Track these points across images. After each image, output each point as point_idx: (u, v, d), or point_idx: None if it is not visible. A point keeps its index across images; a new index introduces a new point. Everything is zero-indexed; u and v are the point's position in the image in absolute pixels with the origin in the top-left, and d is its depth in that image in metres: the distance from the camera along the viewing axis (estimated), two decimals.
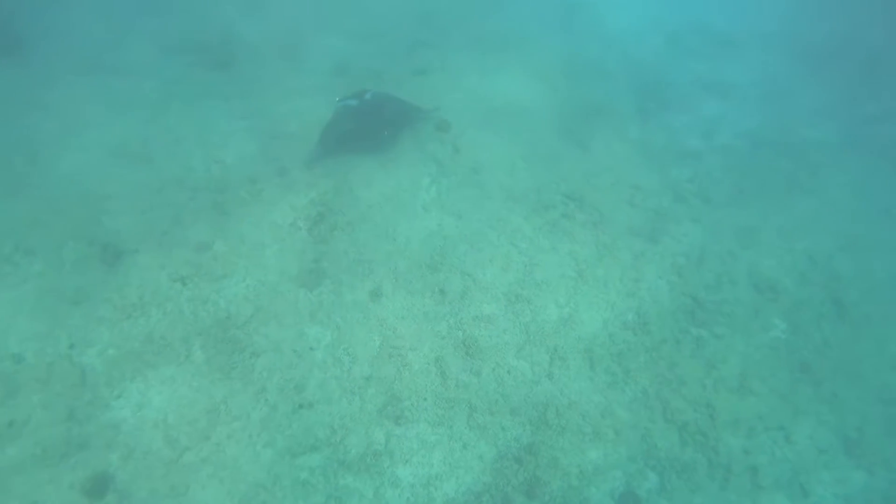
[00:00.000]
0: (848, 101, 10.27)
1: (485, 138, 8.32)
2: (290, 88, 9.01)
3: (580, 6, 12.43)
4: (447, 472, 5.07)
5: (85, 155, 7.19)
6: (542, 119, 8.92)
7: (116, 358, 5.28)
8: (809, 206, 7.98)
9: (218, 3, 10.99)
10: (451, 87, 9.33)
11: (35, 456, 4.66)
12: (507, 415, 5.47)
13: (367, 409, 5.35)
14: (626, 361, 5.94)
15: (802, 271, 7.01)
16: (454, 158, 7.89)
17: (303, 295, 6.11)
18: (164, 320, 5.63)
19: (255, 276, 6.19)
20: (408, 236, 6.79)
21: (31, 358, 5.22)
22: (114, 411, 4.97)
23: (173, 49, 9.59)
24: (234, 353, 5.53)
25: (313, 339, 5.78)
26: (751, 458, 5.41)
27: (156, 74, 8.96)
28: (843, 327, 6.50)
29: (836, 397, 5.90)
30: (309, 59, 9.84)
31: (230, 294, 5.99)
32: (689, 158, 8.49)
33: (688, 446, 5.43)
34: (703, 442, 5.46)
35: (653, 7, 12.67)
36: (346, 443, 5.13)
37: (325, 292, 6.17)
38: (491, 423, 5.40)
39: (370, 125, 7.76)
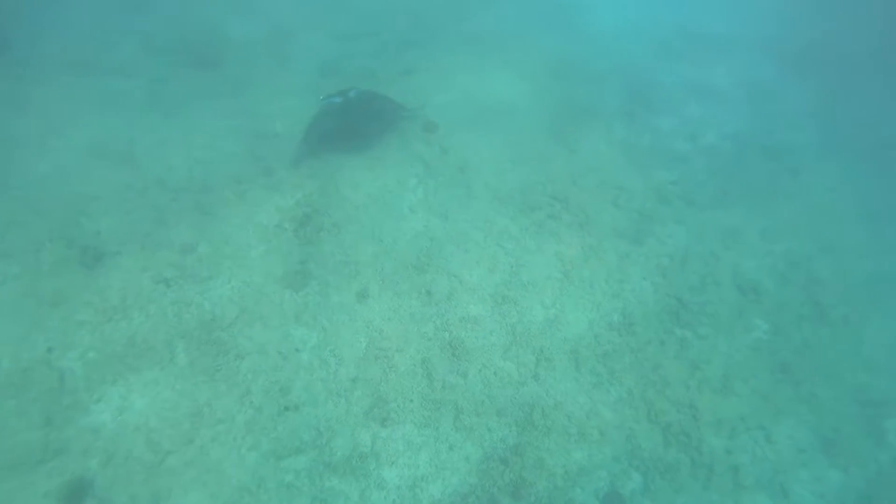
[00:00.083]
0: (830, 104, 10.41)
1: (472, 139, 8.32)
2: (277, 88, 8.94)
3: (568, 7, 12.46)
4: (433, 474, 5.08)
5: (66, 155, 7.08)
6: (529, 119, 8.94)
7: (97, 361, 5.21)
8: (791, 208, 8.08)
9: (205, 1, 10.87)
10: (439, 86, 9.31)
11: (8, 463, 4.58)
12: (494, 416, 5.48)
13: (353, 411, 5.34)
14: (612, 362, 5.98)
15: (783, 273, 7.10)
16: (441, 159, 7.88)
17: (288, 296, 6.08)
18: (146, 323, 5.57)
19: (240, 278, 6.14)
20: (394, 237, 6.78)
21: (7, 362, 5.14)
22: (93, 416, 4.91)
23: (159, 48, 9.47)
24: (219, 356, 5.49)
25: (299, 340, 5.75)
26: (733, 457, 5.47)
27: (140, 73, 8.85)
28: (822, 328, 6.60)
29: (815, 397, 5.99)
30: (296, 58, 9.77)
31: (215, 296, 5.94)
32: (674, 160, 8.55)
33: (671, 447, 5.48)
34: (687, 442, 5.51)
35: (640, 10, 12.73)
36: (332, 445, 5.11)
37: (311, 294, 6.14)
38: (477, 425, 5.41)
39: (355, 123, 7.74)
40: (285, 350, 5.65)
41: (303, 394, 5.38)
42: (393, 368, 5.68)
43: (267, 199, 6.95)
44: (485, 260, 6.69)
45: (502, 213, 7.25)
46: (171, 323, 5.63)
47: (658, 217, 7.55)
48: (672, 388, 5.86)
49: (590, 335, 6.17)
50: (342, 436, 5.17)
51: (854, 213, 8.17)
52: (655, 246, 7.17)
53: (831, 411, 5.92)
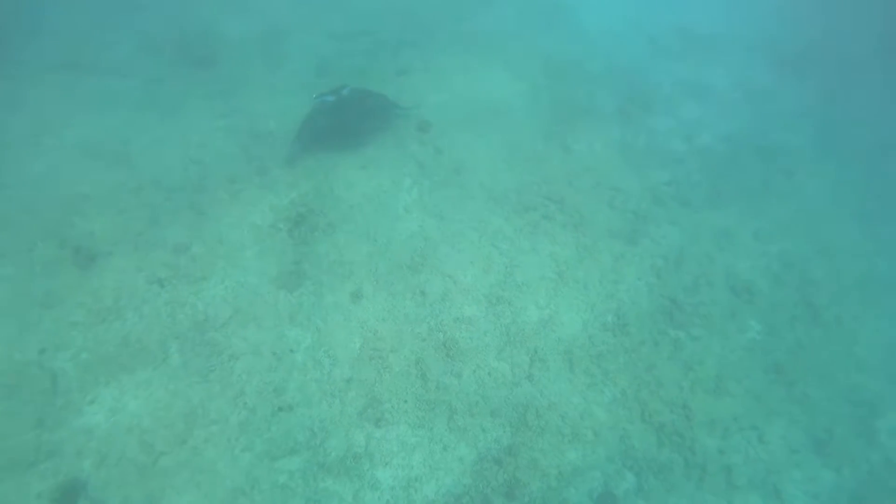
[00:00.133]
0: (827, 105, 10.42)
1: (467, 139, 8.31)
2: (272, 87, 8.91)
3: (564, 7, 12.43)
4: (427, 474, 5.08)
5: (59, 155, 7.05)
6: (524, 120, 8.93)
7: (90, 362, 5.20)
8: (785, 209, 8.09)
9: (200, 0, 10.82)
10: (434, 86, 9.30)
11: (0, 465, 4.57)
12: (488, 416, 5.48)
13: (347, 412, 5.34)
14: (606, 363, 5.98)
15: (777, 274, 7.11)
16: (436, 159, 7.88)
17: (283, 297, 6.07)
18: (140, 323, 5.56)
19: (234, 278, 6.13)
20: (389, 237, 6.77)
21: None
22: (86, 417, 4.89)
23: (153, 47, 9.42)
24: (213, 356, 5.48)
25: (293, 341, 5.75)
26: (725, 457, 5.49)
27: (135, 73, 8.80)
28: (815, 329, 6.62)
29: (808, 398, 6.00)
30: (291, 57, 9.74)
31: (208, 296, 5.93)
32: (669, 161, 8.55)
33: (665, 447, 5.49)
34: (680, 442, 5.52)
35: (635, 10, 12.71)
36: (326, 446, 5.11)
37: (306, 294, 6.13)
38: (471, 425, 5.41)
39: (348, 121, 7.73)
40: (279, 350, 5.64)
41: (297, 394, 5.37)
42: (387, 369, 5.67)
43: (261, 199, 6.93)
44: (479, 260, 6.69)
45: (497, 214, 7.25)
46: (165, 323, 5.62)
47: (653, 218, 7.55)
48: (666, 388, 5.87)
49: (584, 336, 6.18)
50: (336, 436, 5.17)
51: (848, 214, 8.18)
52: (650, 246, 7.17)
53: (824, 412, 5.94)
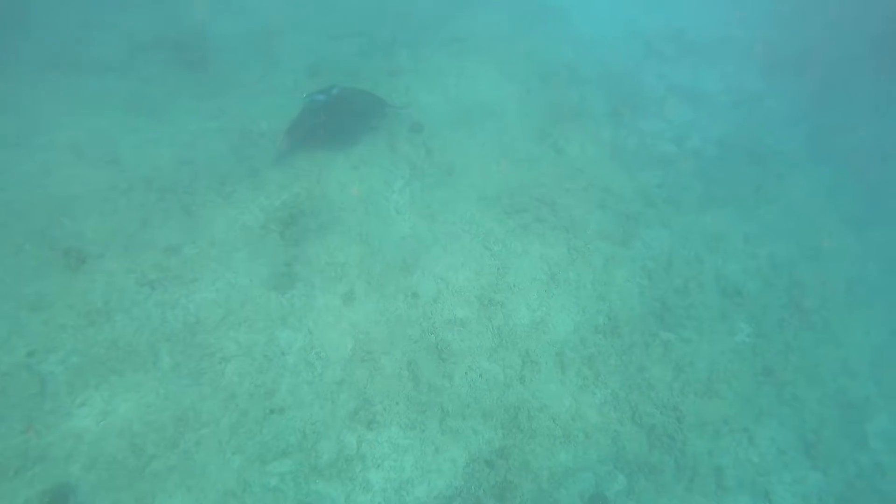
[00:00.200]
0: (817, 110, 10.52)
1: (459, 140, 8.33)
2: (264, 88, 8.87)
3: (556, 10, 12.47)
4: (419, 477, 5.09)
5: (48, 155, 6.96)
6: (516, 121, 8.96)
7: (79, 365, 5.14)
8: (775, 212, 8.17)
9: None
10: (426, 87, 9.30)
11: None
12: (479, 418, 5.50)
13: (338, 414, 5.33)
14: (597, 365, 6.02)
15: (767, 277, 7.18)
16: (428, 160, 7.88)
17: (274, 298, 6.05)
18: (130, 326, 5.51)
19: (225, 280, 6.09)
20: (380, 239, 6.77)
21: None
22: (76, 420, 4.84)
23: (144, 46, 9.33)
24: (204, 359, 5.45)
25: (285, 343, 5.73)
26: (715, 459, 5.55)
27: (125, 72, 8.72)
28: (804, 332, 6.69)
29: (797, 400, 6.08)
30: (283, 58, 9.69)
31: (199, 298, 5.89)
32: (660, 163, 8.61)
33: (655, 448, 5.54)
34: (670, 444, 5.58)
35: (628, 13, 12.79)
36: (318, 448, 5.11)
37: (297, 296, 6.12)
38: (463, 427, 5.43)
39: (339, 120, 7.72)
40: (271, 353, 5.62)
41: (288, 396, 5.36)
42: (379, 371, 5.68)
43: (253, 200, 6.90)
44: (471, 262, 6.71)
45: (489, 216, 7.27)
46: (156, 326, 5.58)
47: (644, 220, 7.60)
48: (656, 390, 5.91)
49: (575, 338, 6.21)
50: (328, 438, 5.17)
51: (838, 218, 8.29)
52: (641, 249, 7.22)
53: (813, 414, 6.01)
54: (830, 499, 5.48)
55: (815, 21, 13.27)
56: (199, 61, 9.21)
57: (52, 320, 5.39)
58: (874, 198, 8.75)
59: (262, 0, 11.08)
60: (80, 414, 4.88)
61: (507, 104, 9.30)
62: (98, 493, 4.53)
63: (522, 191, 7.67)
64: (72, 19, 9.60)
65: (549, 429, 5.52)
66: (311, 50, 9.95)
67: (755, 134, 9.65)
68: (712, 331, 6.51)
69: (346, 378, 5.57)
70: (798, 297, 7.01)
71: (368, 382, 5.58)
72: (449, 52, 10.34)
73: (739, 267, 7.23)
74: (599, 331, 6.30)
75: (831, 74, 11.56)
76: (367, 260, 6.53)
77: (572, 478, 5.26)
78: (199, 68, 9.11)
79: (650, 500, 5.24)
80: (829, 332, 6.76)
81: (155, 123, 7.78)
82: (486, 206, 7.39)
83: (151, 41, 9.44)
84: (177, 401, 5.14)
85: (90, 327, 5.42)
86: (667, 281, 6.90)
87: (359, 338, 5.88)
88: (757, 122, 9.99)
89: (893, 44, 11.69)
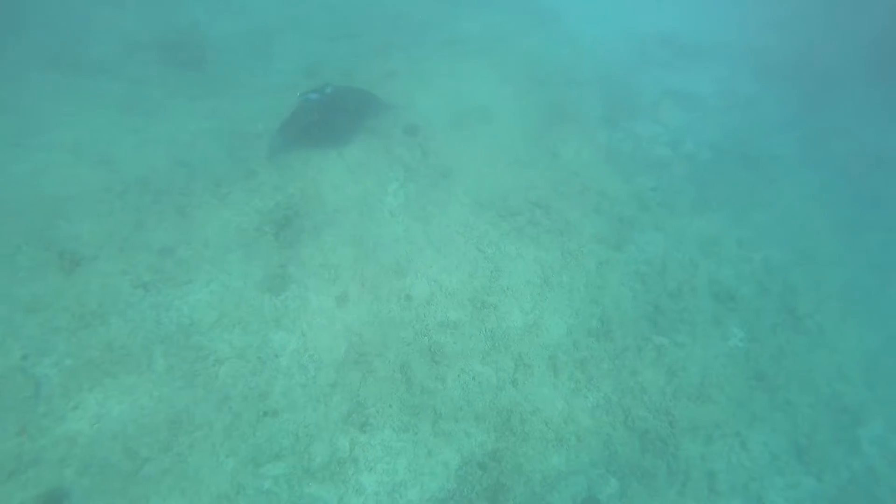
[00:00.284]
0: (811, 115, 10.52)
1: (454, 142, 8.33)
2: (260, 89, 8.87)
3: (553, 13, 12.47)
4: (412, 479, 5.11)
5: (44, 156, 6.97)
6: (511, 124, 8.96)
7: (73, 368, 5.16)
8: (769, 217, 8.18)
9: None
10: (421, 89, 9.29)
11: None
12: (472, 421, 5.52)
13: (331, 417, 5.35)
14: (590, 368, 6.03)
15: (760, 281, 7.19)
16: (422, 162, 7.89)
17: (268, 300, 6.06)
18: (124, 328, 5.53)
19: (219, 282, 6.11)
20: (375, 241, 6.77)
21: None
22: (70, 423, 4.86)
23: (141, 46, 9.33)
24: (197, 361, 5.47)
25: (278, 345, 5.74)
26: (708, 464, 5.56)
27: (121, 73, 8.72)
28: (797, 337, 6.70)
29: (790, 405, 6.09)
30: (279, 59, 9.69)
31: (194, 300, 5.90)
32: (655, 167, 8.62)
33: (648, 452, 5.55)
34: (663, 448, 5.59)
35: (623, 16, 12.77)
36: (311, 451, 5.13)
37: (291, 298, 6.13)
38: (456, 430, 5.44)
39: (332, 119, 7.75)
40: (265, 355, 5.64)
41: (282, 399, 5.38)
42: (372, 373, 5.69)
43: (247, 202, 6.91)
44: (465, 265, 6.72)
45: (483, 218, 7.28)
46: (150, 328, 5.60)
47: (638, 223, 7.61)
48: (649, 394, 5.93)
49: (568, 341, 6.22)
50: (321, 441, 5.19)
51: (831, 223, 8.30)
52: (635, 253, 7.23)
53: (806, 419, 6.02)
54: None
55: (810, 26, 13.27)
56: (195, 61, 9.21)
57: (47, 322, 5.41)
58: (868, 202, 8.76)
59: (259, 1, 11.07)
60: (74, 417, 4.90)
61: (502, 107, 9.30)
62: (92, 496, 4.54)
63: (517, 194, 7.68)
64: (68, 19, 9.58)
65: (541, 432, 5.53)
66: (307, 51, 9.95)
67: (749, 138, 9.65)
68: (705, 335, 6.52)
69: (339, 380, 5.58)
70: (791, 302, 7.02)
71: (361, 385, 5.59)
72: (445, 55, 10.33)
73: (733, 271, 7.24)
74: (592, 334, 6.31)
75: (825, 79, 11.56)
76: (361, 262, 6.54)
77: (565, 481, 5.28)
78: (195, 68, 9.11)
79: (643, 503, 5.26)
80: (822, 336, 6.78)
81: (151, 124, 7.79)
82: (480, 208, 7.40)
83: (148, 41, 9.44)
84: (171, 403, 5.15)
85: (84, 329, 5.44)
86: (660, 285, 6.92)
87: (352, 340, 5.89)
88: (751, 126, 9.98)
89: (887, 49, 11.69)
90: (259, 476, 4.90)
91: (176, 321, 5.70)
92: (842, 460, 5.79)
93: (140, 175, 6.98)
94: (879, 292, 7.40)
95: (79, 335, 5.38)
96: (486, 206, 7.43)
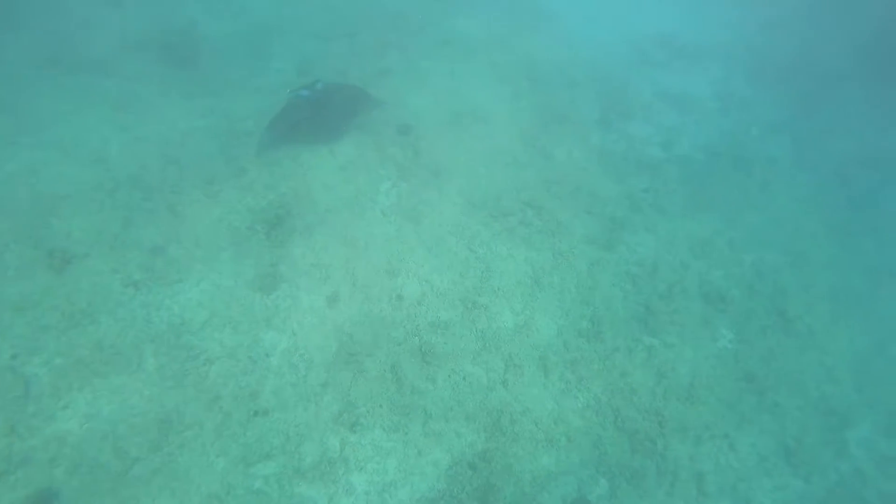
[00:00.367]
0: (802, 117, 10.56)
1: (447, 142, 8.34)
2: (254, 87, 8.83)
3: (548, 13, 12.46)
4: (402, 479, 5.12)
5: (36, 153, 6.92)
6: (504, 124, 8.97)
7: (63, 367, 5.15)
8: (760, 219, 8.22)
9: None
10: (415, 88, 9.29)
11: None
12: (462, 421, 5.53)
13: (322, 416, 5.36)
14: (580, 369, 6.05)
15: (750, 283, 7.23)
16: (415, 162, 7.88)
17: (259, 300, 6.06)
18: (114, 327, 5.51)
19: (210, 280, 6.10)
20: (366, 241, 6.77)
21: None
22: (59, 423, 4.85)
23: (134, 44, 9.25)
24: (188, 360, 5.46)
25: (269, 344, 5.74)
26: (697, 465, 5.59)
27: (115, 70, 8.65)
28: (786, 339, 6.74)
29: (779, 407, 6.13)
30: (274, 57, 9.64)
31: (184, 299, 5.89)
32: (647, 168, 8.64)
33: (637, 453, 5.58)
34: (652, 449, 5.62)
35: (620, 17, 12.79)
36: (301, 450, 5.14)
37: (282, 297, 6.12)
38: (446, 430, 5.46)
39: (323, 115, 7.75)
40: (255, 354, 5.63)
41: (272, 399, 5.38)
42: (363, 373, 5.70)
43: (239, 201, 6.89)
44: (456, 265, 6.72)
45: (475, 218, 7.28)
46: (140, 327, 5.58)
47: (629, 225, 7.63)
48: (639, 395, 5.96)
49: (559, 342, 6.24)
50: (311, 441, 5.20)
51: (823, 225, 8.34)
52: (626, 253, 7.25)
53: (794, 421, 6.06)
54: None
55: (805, 27, 13.31)
56: (189, 59, 9.16)
57: (36, 321, 5.39)
58: (861, 205, 8.80)
59: (257, 0, 11.02)
60: (64, 417, 4.89)
61: (496, 107, 9.30)
62: (81, 497, 4.54)
63: (509, 194, 7.68)
64: (65, 17, 9.51)
65: (531, 432, 5.55)
66: (301, 49, 9.91)
67: (742, 140, 9.69)
68: (695, 336, 6.55)
69: (329, 380, 5.59)
70: (781, 304, 7.05)
71: (352, 385, 5.60)
72: (441, 54, 10.32)
73: (724, 273, 7.27)
74: (583, 335, 6.34)
75: (820, 80, 11.60)
76: (353, 261, 6.54)
77: (554, 481, 5.30)
78: (189, 66, 9.07)
79: None
80: (812, 339, 6.81)
81: (143, 121, 7.75)
82: (472, 208, 7.40)
83: (142, 39, 9.37)
84: (161, 403, 5.15)
85: (74, 328, 5.42)
86: (651, 286, 6.94)
87: (343, 340, 5.89)
88: (744, 127, 10.02)
89: (879, 54, 11.73)
90: (249, 476, 4.91)
91: (166, 320, 5.69)
92: (830, 462, 5.83)
93: (132, 173, 6.95)
94: (870, 295, 7.45)
95: (69, 334, 5.36)
96: (479, 207, 7.44)
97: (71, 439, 4.78)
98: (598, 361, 6.14)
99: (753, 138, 9.81)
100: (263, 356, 5.64)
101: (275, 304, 6.05)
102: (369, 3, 11.51)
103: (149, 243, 6.25)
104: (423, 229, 7.03)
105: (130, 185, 6.80)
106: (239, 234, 6.56)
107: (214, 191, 6.94)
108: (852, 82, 11.50)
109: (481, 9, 12.03)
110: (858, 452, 5.96)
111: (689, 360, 6.32)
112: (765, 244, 7.80)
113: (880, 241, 8.21)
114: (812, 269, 7.60)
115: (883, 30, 12.27)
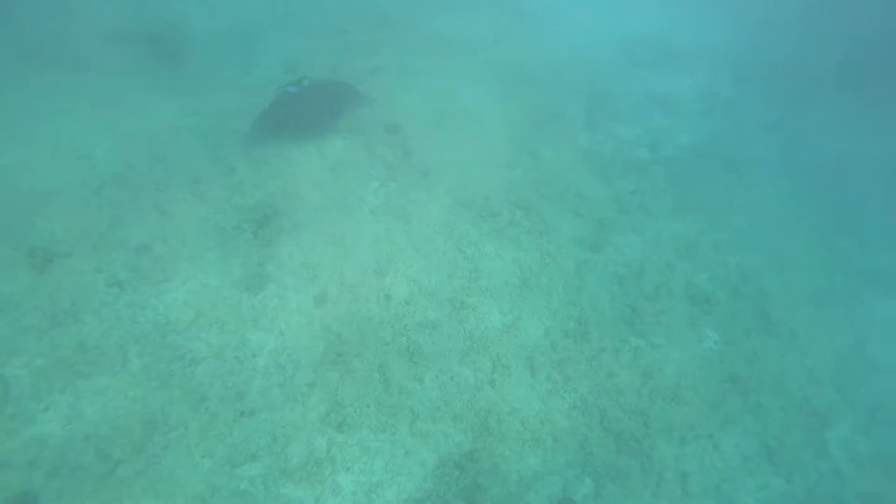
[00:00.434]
0: (788, 120, 10.67)
1: (436, 142, 8.33)
2: (243, 85, 8.79)
3: (539, 14, 12.52)
4: (389, 480, 5.12)
5: (20, 151, 6.82)
6: (494, 124, 8.98)
7: (44, 368, 5.08)
8: (746, 221, 8.30)
9: None
10: (405, 87, 9.27)
11: None
12: (450, 421, 5.54)
13: (309, 417, 5.34)
14: (567, 369, 6.08)
15: (735, 285, 7.29)
16: (404, 161, 7.87)
17: (246, 299, 6.01)
18: (98, 327, 5.44)
19: (196, 280, 6.04)
20: (354, 240, 6.75)
21: None
22: (40, 426, 4.78)
23: (122, 40, 9.17)
24: (173, 361, 5.41)
25: (256, 344, 5.71)
26: (681, 465, 5.63)
27: (101, 67, 8.57)
28: (770, 340, 6.81)
29: (762, 408, 6.19)
30: (263, 54, 9.60)
31: (170, 298, 5.84)
32: (635, 170, 8.70)
33: (623, 453, 5.61)
34: (638, 449, 5.65)
35: (610, 19, 12.87)
36: (288, 451, 5.11)
37: (269, 297, 6.09)
38: (433, 430, 5.46)
39: (309, 112, 7.73)
40: (242, 354, 5.60)
41: (259, 399, 5.35)
42: (350, 373, 5.68)
43: (226, 199, 6.84)
44: (444, 265, 6.72)
45: (463, 219, 7.29)
46: (125, 327, 5.52)
47: (617, 226, 7.67)
48: (625, 395, 5.99)
49: (546, 342, 6.26)
50: (298, 441, 5.17)
51: (806, 228, 8.44)
52: (613, 255, 7.29)
53: (776, 421, 6.13)
54: None
55: (792, 30, 13.46)
56: (176, 56, 9.10)
57: (17, 322, 5.31)
58: (842, 208, 8.92)
59: None
60: (45, 419, 4.82)
61: (485, 107, 9.31)
62: (62, 500, 4.48)
63: (498, 194, 7.70)
64: (47, 12, 9.37)
65: (518, 432, 5.57)
66: (290, 47, 9.87)
67: (729, 142, 9.78)
68: (681, 337, 6.60)
69: (317, 380, 5.57)
70: (765, 306, 7.12)
71: (339, 385, 5.58)
72: (430, 54, 10.33)
73: (709, 275, 7.33)
74: (570, 335, 6.36)
75: (806, 83, 11.74)
76: (341, 261, 6.52)
77: (541, 481, 5.32)
78: (177, 64, 8.99)
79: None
80: (794, 341, 6.89)
81: (130, 119, 7.67)
82: (461, 208, 7.40)
83: (129, 35, 9.30)
84: (145, 404, 5.09)
85: (56, 329, 5.35)
86: (638, 287, 6.98)
87: (330, 340, 5.87)
88: (731, 130, 10.11)
89: (866, 54, 11.89)
90: (235, 477, 4.87)
91: (152, 320, 5.63)
92: (810, 462, 5.90)
93: (117, 171, 6.87)
94: (851, 296, 7.54)
95: (50, 335, 5.29)
96: (467, 207, 7.44)
97: (52, 441, 4.72)
98: (585, 362, 6.17)
99: (740, 140, 9.90)
100: (250, 356, 5.60)
101: (262, 303, 6.01)
102: (365, 1, 11.47)
103: (134, 242, 6.18)
104: (411, 229, 7.02)
105: (116, 183, 6.73)
106: (226, 234, 6.51)
107: (201, 189, 6.88)
108: (838, 85, 11.64)
109: (476, 10, 12.07)
110: (838, 452, 6.03)
111: (675, 360, 6.37)
112: (749, 246, 7.87)
113: (862, 243, 8.32)
114: (795, 270, 7.69)
115: (866, 34, 12.45)
